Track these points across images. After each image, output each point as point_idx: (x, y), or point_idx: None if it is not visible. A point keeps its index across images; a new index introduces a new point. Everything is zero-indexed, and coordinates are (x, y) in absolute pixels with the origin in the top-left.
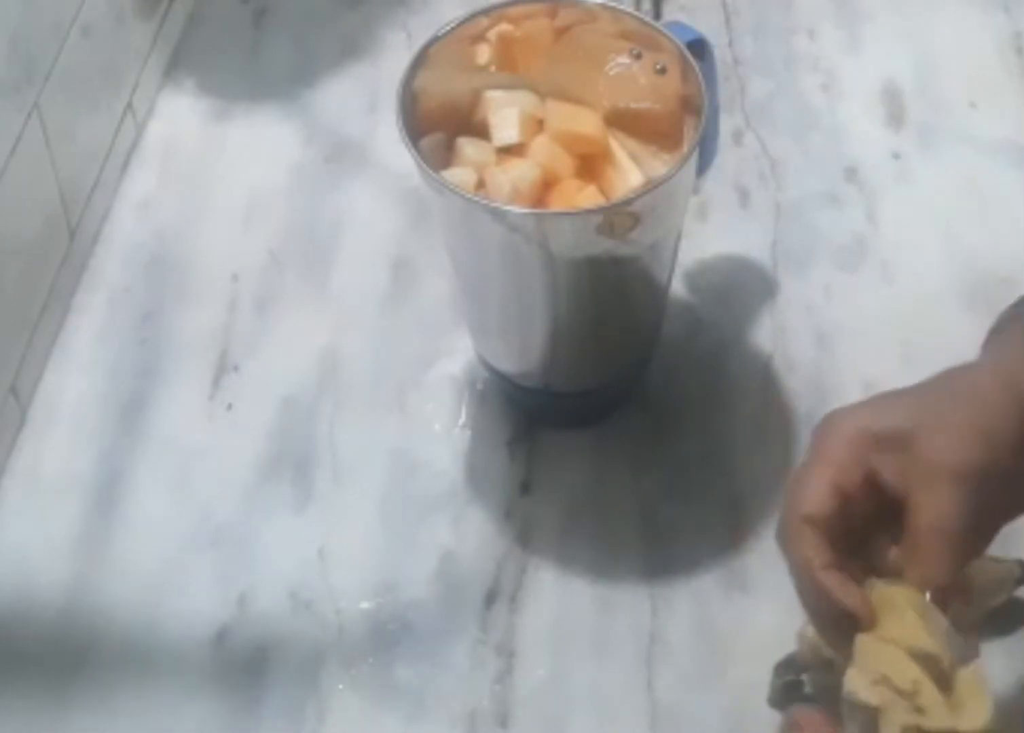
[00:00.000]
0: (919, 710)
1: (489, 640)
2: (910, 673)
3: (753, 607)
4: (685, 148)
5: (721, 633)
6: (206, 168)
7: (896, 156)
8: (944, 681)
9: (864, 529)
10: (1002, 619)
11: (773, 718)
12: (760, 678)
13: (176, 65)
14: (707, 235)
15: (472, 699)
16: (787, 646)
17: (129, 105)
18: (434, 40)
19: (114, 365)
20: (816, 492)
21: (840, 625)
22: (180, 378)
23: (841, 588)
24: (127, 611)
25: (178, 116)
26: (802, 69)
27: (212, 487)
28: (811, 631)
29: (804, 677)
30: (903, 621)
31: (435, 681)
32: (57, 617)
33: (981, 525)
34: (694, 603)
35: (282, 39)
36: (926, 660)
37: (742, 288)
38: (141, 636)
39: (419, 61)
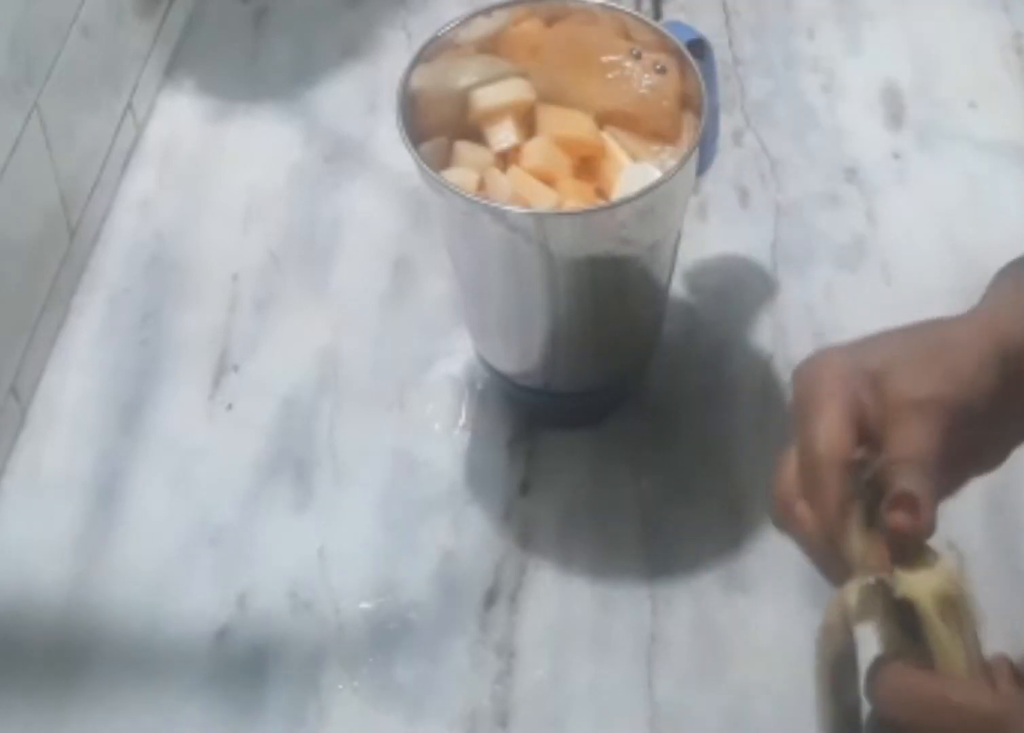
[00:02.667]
0: None
1: (489, 640)
2: None
3: (753, 607)
4: (685, 148)
5: (721, 633)
6: (206, 168)
7: (896, 156)
8: None
9: None
10: None
11: (773, 719)
12: (760, 678)
13: (176, 65)
14: (707, 235)
15: (472, 699)
16: (787, 646)
17: (129, 105)
18: (434, 40)
19: (114, 365)
20: (839, 432)
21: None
22: (180, 378)
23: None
24: (127, 611)
25: (178, 116)
26: (802, 69)
27: (212, 487)
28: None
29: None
30: None
31: (435, 681)
32: (57, 617)
33: (951, 465)
34: (694, 603)
35: (282, 39)
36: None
37: (742, 288)
38: (141, 636)
39: (419, 61)
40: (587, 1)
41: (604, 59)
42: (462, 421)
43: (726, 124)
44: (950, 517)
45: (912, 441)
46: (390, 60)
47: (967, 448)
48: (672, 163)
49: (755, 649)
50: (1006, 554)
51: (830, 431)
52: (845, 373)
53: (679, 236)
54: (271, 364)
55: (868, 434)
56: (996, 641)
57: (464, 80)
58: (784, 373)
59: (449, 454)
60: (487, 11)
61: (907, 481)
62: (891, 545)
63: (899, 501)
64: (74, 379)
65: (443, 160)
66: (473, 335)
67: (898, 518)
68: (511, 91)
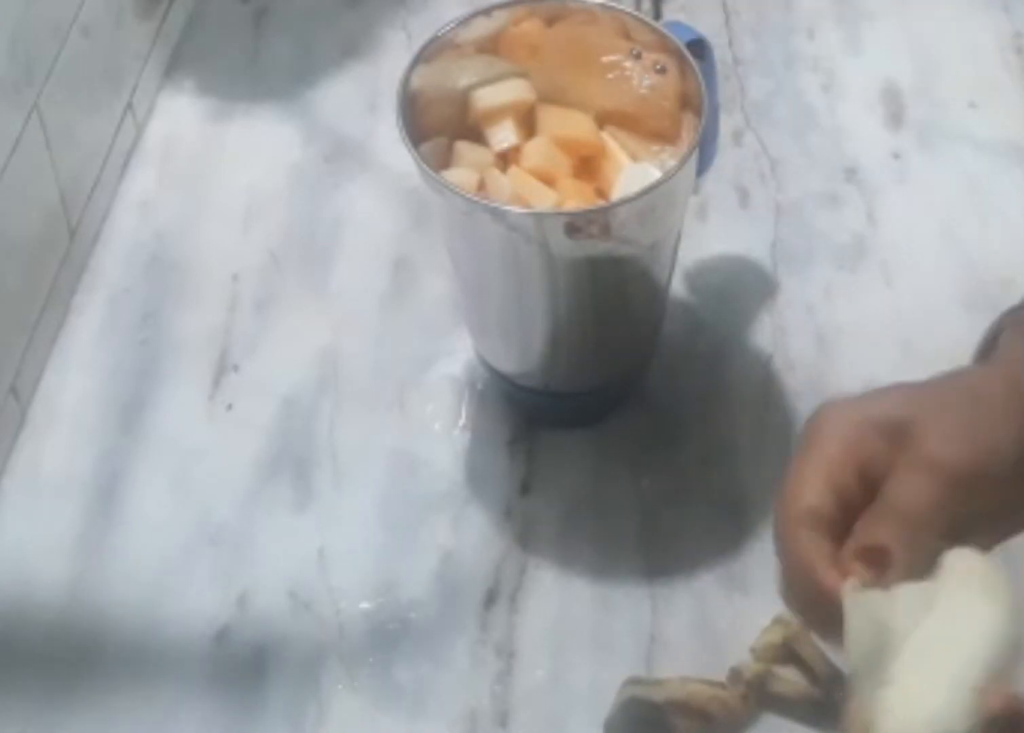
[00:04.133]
0: None
1: (489, 640)
2: None
3: (753, 607)
4: (685, 148)
5: (721, 633)
6: (206, 168)
7: (896, 156)
8: None
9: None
10: None
11: (772, 719)
12: None
13: (176, 65)
14: (707, 235)
15: (472, 699)
16: None
17: (129, 105)
18: (434, 40)
19: (114, 365)
20: (812, 488)
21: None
22: (180, 378)
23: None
24: (127, 611)
25: (178, 116)
26: (802, 69)
27: (212, 487)
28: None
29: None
30: None
31: (435, 681)
32: (57, 617)
33: (961, 532)
34: (694, 603)
35: (282, 39)
36: None
37: (742, 288)
38: (141, 636)
39: (419, 61)
40: (587, 1)
41: (604, 59)
42: (462, 421)
43: (726, 124)
44: None
45: (911, 496)
46: (390, 60)
47: (985, 513)
48: (672, 163)
49: None
50: (1005, 554)
51: (807, 487)
52: (847, 429)
53: (679, 236)
54: (271, 364)
55: (869, 484)
56: None
57: (464, 80)
58: (784, 373)
59: (449, 454)
60: (487, 11)
61: (884, 532)
62: None
63: (865, 552)
64: (74, 379)
65: (443, 160)
66: (473, 335)
67: (857, 571)
68: (511, 91)
